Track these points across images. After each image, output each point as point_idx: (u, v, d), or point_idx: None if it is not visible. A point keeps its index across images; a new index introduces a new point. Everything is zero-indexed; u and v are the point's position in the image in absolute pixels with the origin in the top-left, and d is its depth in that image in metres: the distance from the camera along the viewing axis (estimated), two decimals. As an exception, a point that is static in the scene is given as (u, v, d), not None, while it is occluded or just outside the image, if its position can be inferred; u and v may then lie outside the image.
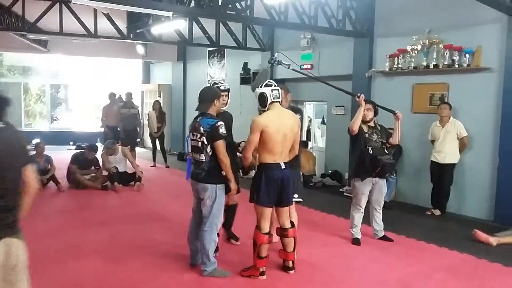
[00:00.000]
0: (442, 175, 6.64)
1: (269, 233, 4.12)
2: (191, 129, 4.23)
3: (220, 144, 4.03)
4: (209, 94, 4.22)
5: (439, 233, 5.75)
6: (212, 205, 4.13)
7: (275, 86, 4.12)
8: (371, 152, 5.07)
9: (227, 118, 4.77)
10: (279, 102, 4.13)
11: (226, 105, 4.79)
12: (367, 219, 5.44)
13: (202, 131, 4.07)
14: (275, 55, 5.06)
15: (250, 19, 7.14)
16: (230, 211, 5.14)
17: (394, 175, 6.76)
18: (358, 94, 5.26)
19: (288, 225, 4.23)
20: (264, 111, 4.12)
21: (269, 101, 4.06)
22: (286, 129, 4.03)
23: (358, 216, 5.33)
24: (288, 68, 4.99)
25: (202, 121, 4.11)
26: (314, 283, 4.15)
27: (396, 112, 5.30)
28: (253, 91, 5.25)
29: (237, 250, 4.99)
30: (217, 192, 4.13)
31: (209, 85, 4.86)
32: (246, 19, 7.31)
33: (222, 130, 4.04)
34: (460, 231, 5.77)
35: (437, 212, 6.73)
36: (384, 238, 5.42)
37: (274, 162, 4.02)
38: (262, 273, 4.13)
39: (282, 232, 4.23)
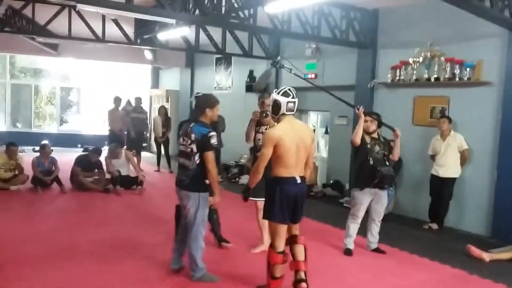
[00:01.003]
0: (442, 189, 6.60)
1: (283, 252, 3.83)
2: (182, 134, 4.22)
3: (210, 155, 4.03)
4: (202, 102, 4.23)
5: (434, 247, 5.72)
6: (195, 214, 4.11)
7: (293, 97, 3.79)
8: (371, 163, 5.14)
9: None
10: (292, 114, 3.84)
11: None
12: (363, 230, 5.44)
13: (193, 138, 4.07)
14: (278, 58, 5.09)
15: (253, 28, 7.19)
16: (211, 214, 5.10)
17: (393, 187, 6.76)
18: (358, 106, 5.31)
19: (297, 232, 3.98)
20: (273, 118, 3.94)
21: (281, 112, 3.79)
22: (299, 140, 3.75)
23: (353, 227, 5.34)
24: (290, 72, 5.03)
25: (194, 128, 4.09)
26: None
27: (395, 129, 5.30)
28: (255, 89, 5.47)
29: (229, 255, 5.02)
30: (200, 201, 4.11)
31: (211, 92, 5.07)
32: (249, 28, 7.36)
33: (214, 141, 4.02)
34: (456, 246, 5.73)
35: (434, 226, 6.69)
36: (376, 250, 5.42)
37: (290, 176, 3.75)
38: None
39: (291, 238, 3.96)
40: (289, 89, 3.80)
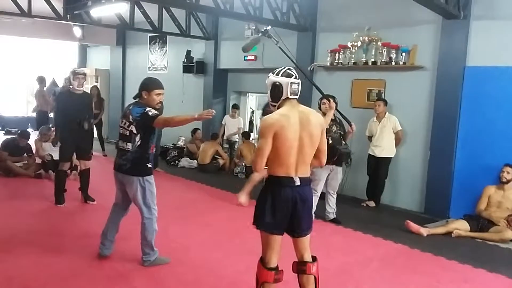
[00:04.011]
0: (378, 169, 6.94)
1: (276, 269, 3.10)
2: (122, 116, 4.11)
3: (159, 119, 3.89)
4: (141, 85, 4.07)
5: (374, 224, 6.02)
6: (144, 197, 4.03)
7: (296, 77, 3.09)
8: (330, 142, 5.37)
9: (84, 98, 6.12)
10: (296, 98, 3.12)
11: (82, 86, 5.97)
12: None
13: (131, 120, 3.96)
14: (269, 27, 4.90)
15: (195, 6, 7.03)
16: (83, 175, 6.40)
17: (349, 163, 6.92)
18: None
19: (307, 258, 3.19)
20: (274, 106, 3.15)
21: (283, 96, 3.06)
22: (306, 132, 3.02)
23: (313, 199, 5.67)
24: (276, 45, 4.95)
25: (133, 110, 4.00)
26: (250, 273, 4.17)
27: (351, 124, 5.80)
28: (243, 50, 5.51)
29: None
30: (145, 184, 4.01)
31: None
32: (191, 6, 7.18)
33: (152, 112, 3.89)
34: (394, 222, 6.06)
35: (371, 203, 7.03)
36: (334, 220, 5.94)
37: (286, 176, 3.01)
38: None
39: (299, 266, 3.20)
40: (289, 69, 3.12)
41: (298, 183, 3.02)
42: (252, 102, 10.72)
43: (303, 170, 3.06)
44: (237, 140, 9.83)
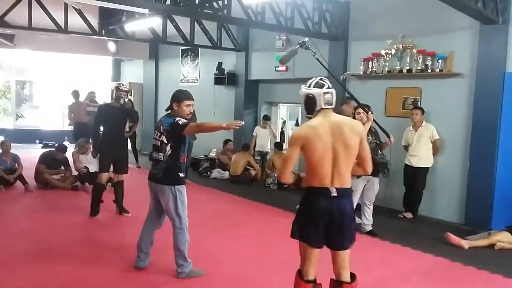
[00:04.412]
0: (415, 179, 6.75)
1: (314, 282, 3.08)
2: (155, 128, 4.23)
3: (189, 126, 3.92)
4: (172, 96, 4.15)
5: (413, 236, 5.83)
6: (175, 206, 4.07)
7: (329, 87, 3.06)
8: None
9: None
10: (331, 108, 3.08)
11: (123, 101, 6.25)
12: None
13: (162, 130, 4.06)
14: (306, 39, 4.90)
15: (227, 18, 7.07)
16: (117, 188, 6.47)
17: (387, 173, 6.77)
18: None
19: (345, 277, 3.09)
20: (309, 118, 3.12)
21: (318, 107, 3.04)
22: (340, 142, 2.95)
23: None
24: (314, 56, 4.91)
25: (163, 121, 4.10)
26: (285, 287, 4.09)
27: (390, 136, 5.70)
28: (281, 63, 5.47)
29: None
30: (176, 193, 4.06)
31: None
32: (223, 18, 7.23)
33: (182, 121, 3.95)
34: (433, 234, 5.87)
35: (409, 215, 6.83)
36: (371, 232, 5.75)
37: (321, 187, 2.97)
38: None
39: (336, 285, 3.12)
40: (321, 79, 3.09)
41: (334, 194, 2.96)
42: (283, 112, 10.66)
43: (341, 181, 2.98)
44: (269, 151, 9.78)
